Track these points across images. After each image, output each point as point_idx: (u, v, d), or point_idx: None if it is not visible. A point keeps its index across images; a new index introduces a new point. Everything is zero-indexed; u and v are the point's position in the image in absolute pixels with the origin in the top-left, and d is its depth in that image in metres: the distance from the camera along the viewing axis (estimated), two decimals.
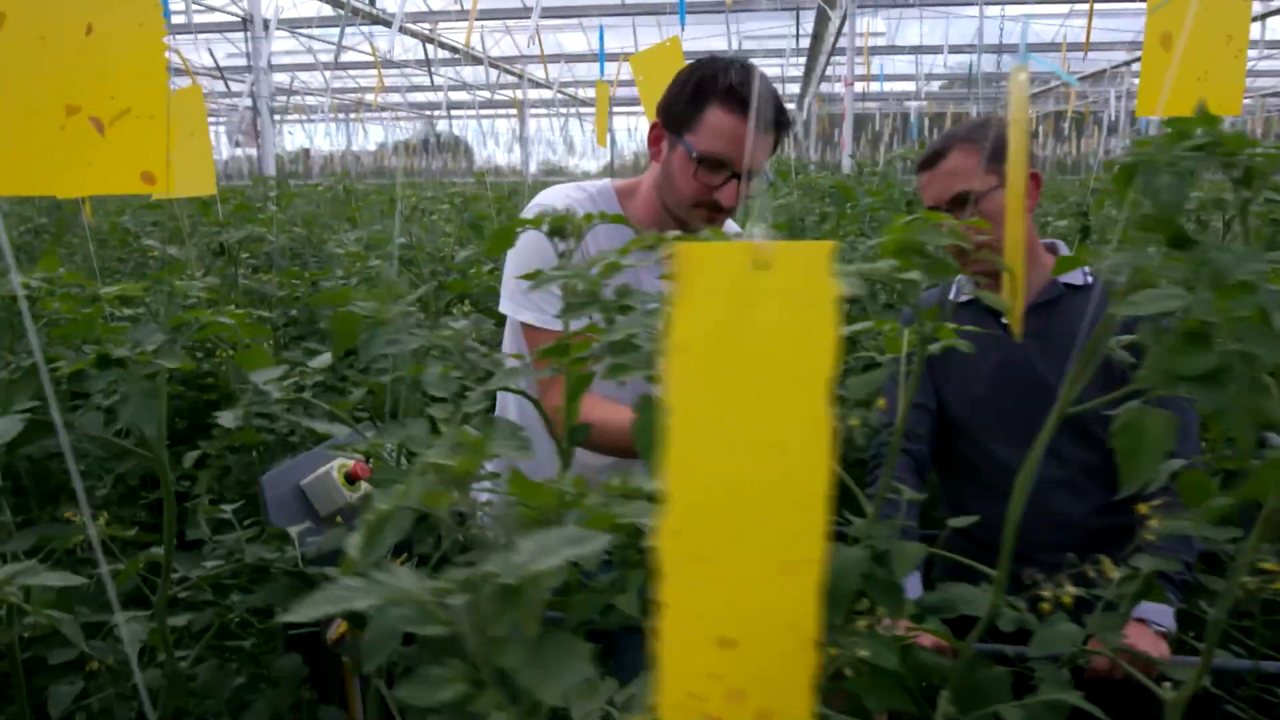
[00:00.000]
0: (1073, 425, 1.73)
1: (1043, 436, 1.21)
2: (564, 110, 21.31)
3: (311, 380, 1.25)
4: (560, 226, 1.17)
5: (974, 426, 1.75)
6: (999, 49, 14.06)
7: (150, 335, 1.20)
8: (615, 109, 23.17)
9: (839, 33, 10.51)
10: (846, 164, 8.15)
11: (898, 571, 1.15)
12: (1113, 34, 13.89)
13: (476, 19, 12.82)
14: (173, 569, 1.23)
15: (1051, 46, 13.60)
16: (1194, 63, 2.30)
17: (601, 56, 3.76)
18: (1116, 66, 13.72)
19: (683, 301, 0.45)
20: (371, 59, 13.38)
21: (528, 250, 1.59)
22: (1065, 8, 11.16)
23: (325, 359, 1.29)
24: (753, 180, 1.57)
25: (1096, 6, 12.52)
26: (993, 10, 11.78)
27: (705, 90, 1.53)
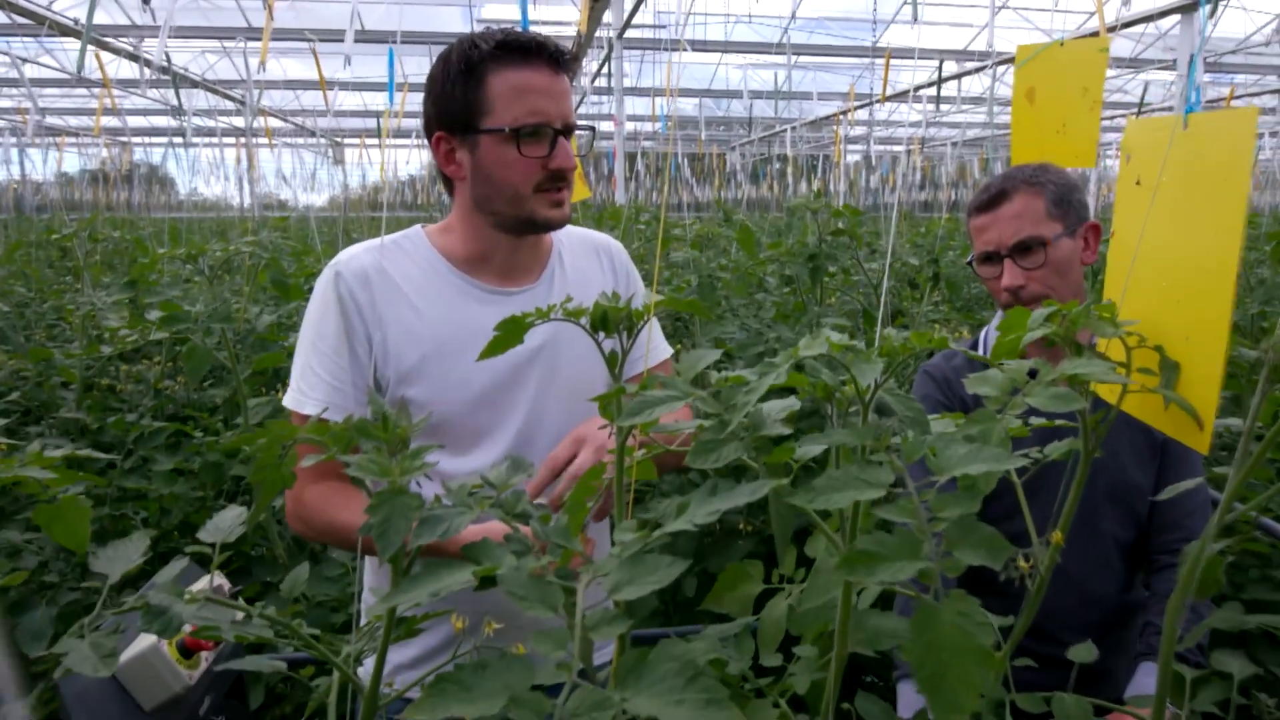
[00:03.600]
0: (1115, 500, 1.66)
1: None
2: (291, 141, 19.75)
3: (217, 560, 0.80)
4: (610, 318, 0.83)
5: (1005, 499, 1.60)
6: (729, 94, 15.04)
7: None
8: (347, 140, 21.87)
9: (597, 73, 10.63)
10: (621, 199, 8.18)
11: None
12: (827, 86, 15.36)
13: (192, 37, 11.46)
14: None
15: (771, 94, 14.72)
16: (1054, 115, 2.38)
17: (391, 83, 3.32)
18: (830, 116, 15.17)
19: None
20: (61, 75, 11.51)
21: (312, 320, 1.35)
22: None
23: (221, 527, 0.83)
24: (572, 136, 1.37)
25: (809, 59, 13.81)
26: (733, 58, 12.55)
27: (474, 65, 1.31)
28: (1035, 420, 0.96)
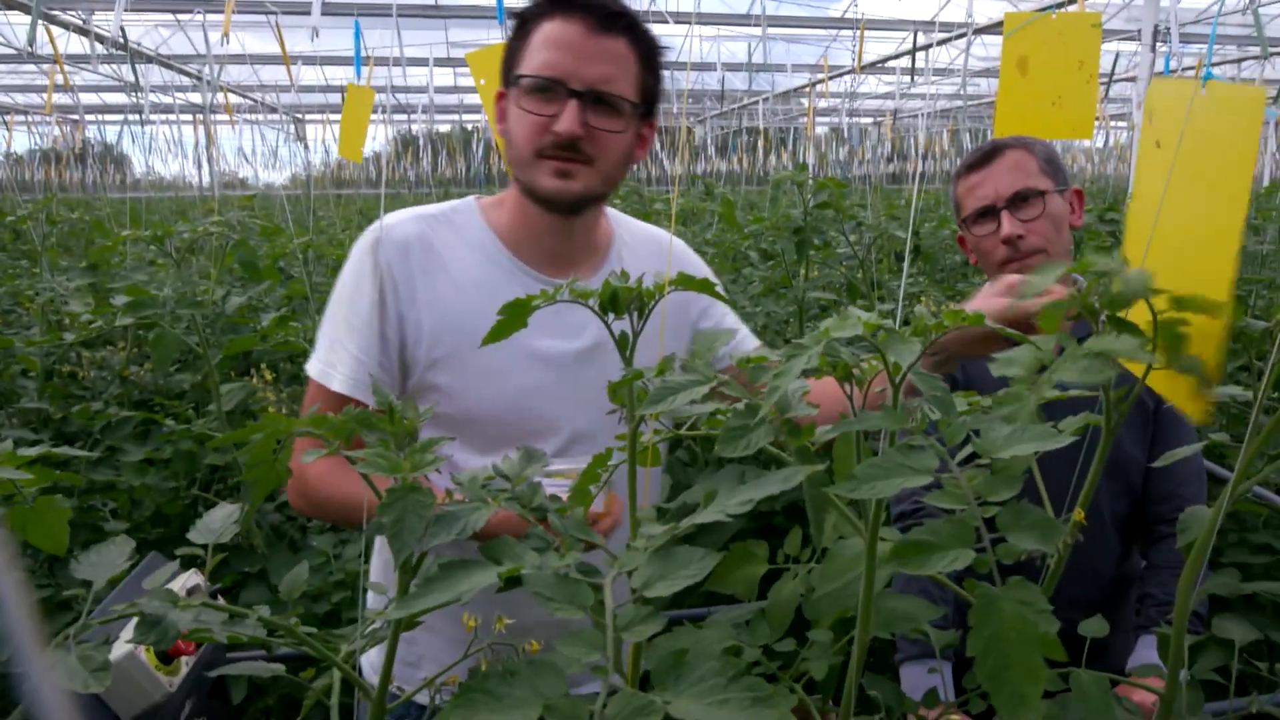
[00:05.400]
0: (1111, 473, 1.65)
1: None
2: (251, 118, 19.25)
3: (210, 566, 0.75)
4: (620, 298, 0.80)
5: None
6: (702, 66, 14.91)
7: None
8: (310, 116, 21.38)
9: None
10: None
11: None
12: (796, 58, 15.28)
13: (147, 10, 11.10)
14: None
15: (743, 66, 14.59)
16: (1048, 87, 2.35)
17: (358, 56, 3.22)
18: (801, 88, 15.11)
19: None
20: (8, 51, 11.12)
21: (344, 288, 1.28)
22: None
23: (212, 527, 0.79)
24: (607, 105, 1.21)
25: (779, 30, 13.71)
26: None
27: (528, 17, 1.24)
28: (1050, 393, 0.94)
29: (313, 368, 1.28)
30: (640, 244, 1.41)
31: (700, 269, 1.46)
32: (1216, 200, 0.88)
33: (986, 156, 1.60)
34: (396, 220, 1.28)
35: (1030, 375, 0.79)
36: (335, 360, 1.24)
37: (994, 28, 8.38)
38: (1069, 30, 2.30)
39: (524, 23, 1.24)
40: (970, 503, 0.56)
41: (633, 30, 1.23)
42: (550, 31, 1.20)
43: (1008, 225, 1.55)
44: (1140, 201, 0.91)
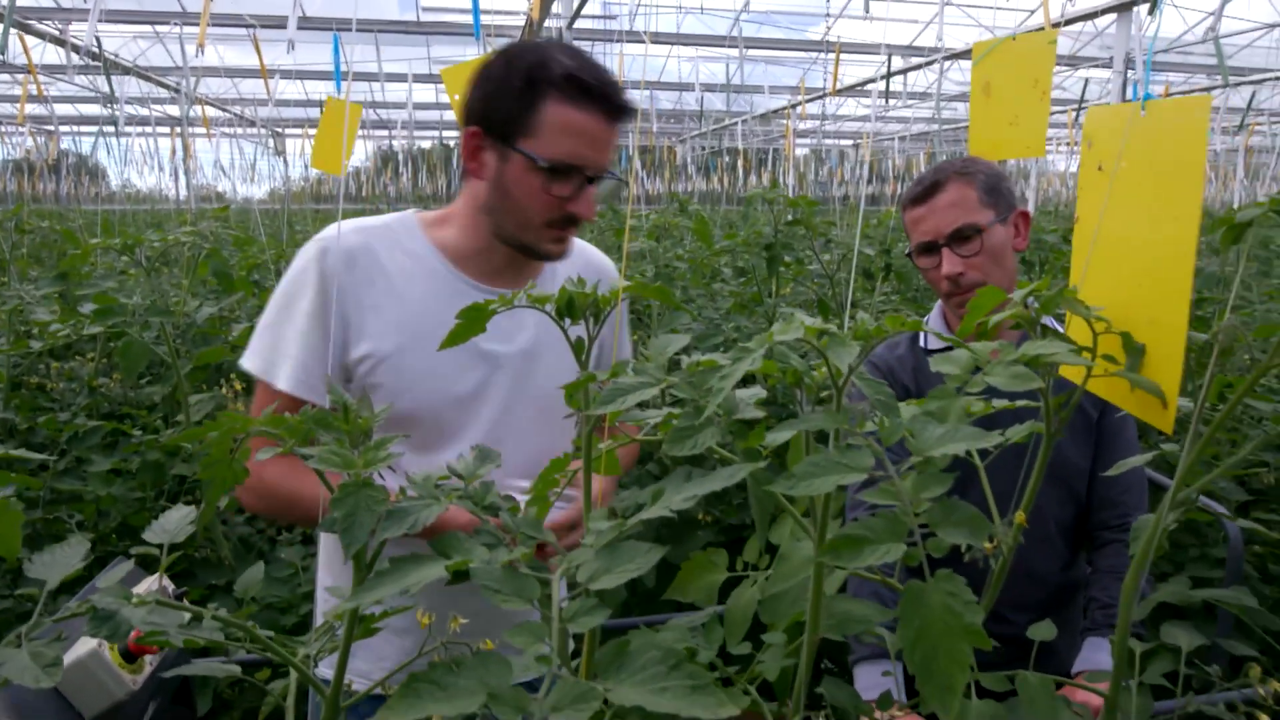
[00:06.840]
0: (1054, 480, 1.68)
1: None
2: (230, 131, 19.18)
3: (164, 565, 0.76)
4: (576, 304, 0.81)
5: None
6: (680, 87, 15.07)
7: None
8: (289, 130, 21.32)
9: None
10: None
11: None
12: (775, 80, 15.47)
13: (123, 22, 11.05)
14: None
15: (722, 87, 14.75)
16: (1007, 108, 2.42)
17: (337, 70, 3.25)
18: (780, 109, 15.29)
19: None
20: None
21: (288, 294, 1.32)
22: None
23: (168, 527, 0.79)
24: (601, 182, 1.34)
25: (758, 52, 13.88)
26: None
27: (538, 82, 1.26)
28: (997, 402, 0.97)
29: (255, 365, 1.32)
30: (572, 259, 1.49)
31: (617, 279, 1.55)
32: (1167, 219, 0.90)
33: (928, 191, 1.63)
34: (340, 232, 1.34)
35: (965, 375, 0.82)
36: (279, 359, 1.29)
37: (966, 53, 8.55)
38: (1027, 50, 2.37)
39: (533, 84, 1.26)
40: (903, 499, 0.58)
41: (626, 116, 1.31)
42: (572, 120, 1.26)
43: (947, 264, 1.60)
44: (1084, 226, 0.94)
